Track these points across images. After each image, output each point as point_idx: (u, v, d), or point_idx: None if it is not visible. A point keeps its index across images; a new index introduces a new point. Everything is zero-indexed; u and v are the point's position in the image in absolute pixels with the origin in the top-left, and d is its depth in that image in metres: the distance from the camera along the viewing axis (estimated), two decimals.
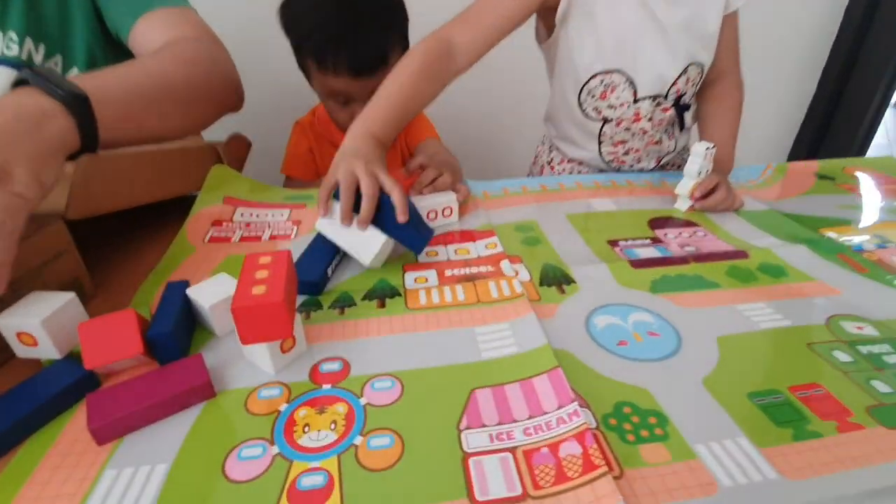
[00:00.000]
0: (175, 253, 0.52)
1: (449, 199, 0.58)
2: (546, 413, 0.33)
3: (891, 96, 1.48)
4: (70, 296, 0.37)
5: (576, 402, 0.33)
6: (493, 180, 0.71)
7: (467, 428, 0.33)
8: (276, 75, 1.01)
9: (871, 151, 1.59)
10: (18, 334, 0.35)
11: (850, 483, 0.28)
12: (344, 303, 0.45)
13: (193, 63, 0.55)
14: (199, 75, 0.55)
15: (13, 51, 0.58)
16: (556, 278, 0.48)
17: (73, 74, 0.61)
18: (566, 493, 0.28)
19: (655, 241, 0.56)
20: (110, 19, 0.61)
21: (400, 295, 0.46)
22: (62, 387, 0.34)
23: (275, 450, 0.31)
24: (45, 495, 0.28)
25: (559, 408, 0.33)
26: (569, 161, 0.83)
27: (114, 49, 0.63)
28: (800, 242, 0.55)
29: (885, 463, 0.29)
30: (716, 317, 0.43)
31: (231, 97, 0.62)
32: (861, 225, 0.60)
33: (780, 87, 1.53)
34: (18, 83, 0.39)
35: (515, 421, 0.33)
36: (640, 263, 0.51)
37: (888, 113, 1.55)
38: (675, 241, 0.56)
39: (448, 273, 0.49)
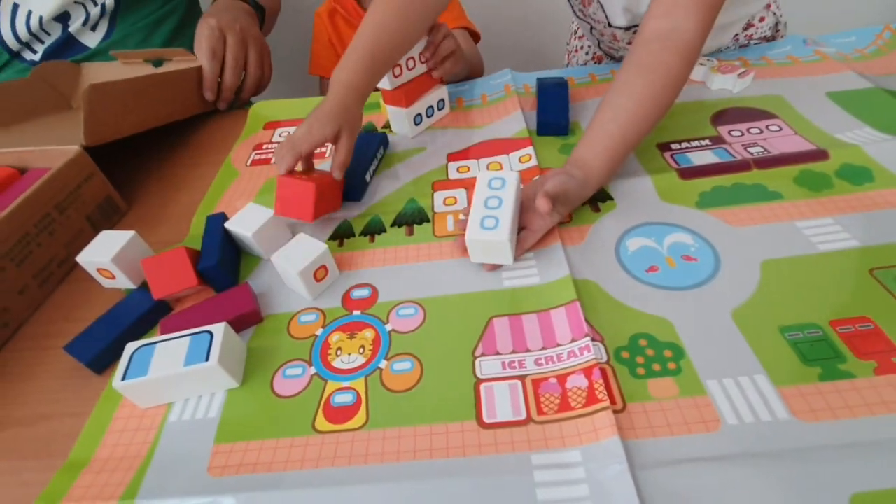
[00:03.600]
0: (222, 179, 0.55)
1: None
2: (559, 345, 0.34)
3: None
4: (131, 234, 0.42)
5: (588, 337, 0.33)
6: (531, 72, 0.65)
7: (482, 355, 0.35)
8: None
9: None
10: (99, 270, 0.41)
11: (871, 429, 0.27)
12: (374, 229, 0.46)
13: None
14: None
15: None
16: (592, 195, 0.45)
17: None
18: (567, 420, 0.30)
19: (717, 141, 0.49)
20: None
21: (428, 221, 0.46)
22: (140, 314, 0.40)
23: (312, 370, 0.36)
24: (134, 415, 0.35)
25: (572, 341, 0.34)
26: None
27: None
28: None
29: None
30: (769, 236, 0.39)
31: None
32: None
33: None
34: None
35: (529, 351, 0.34)
36: (690, 172, 0.46)
37: None
38: (740, 140, 0.49)
39: None
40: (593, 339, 0.33)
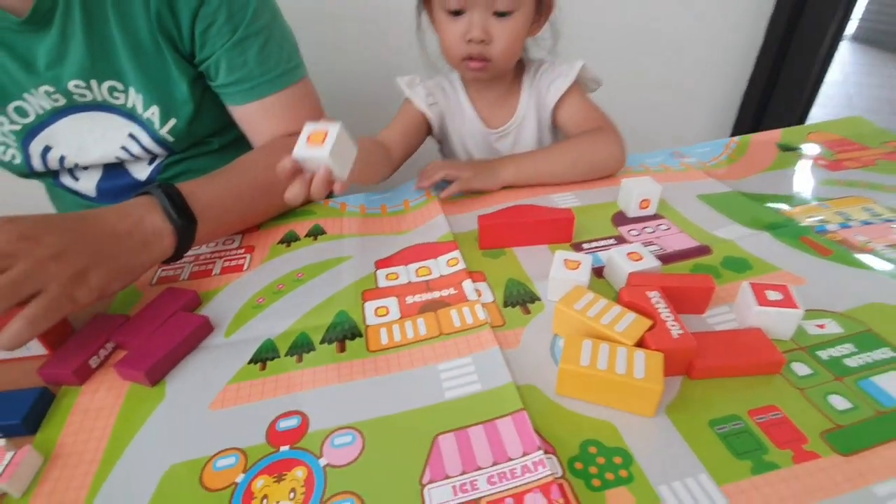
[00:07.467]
0: (124, 298, 0.49)
1: None
2: (511, 459, 0.33)
3: (843, 29, 1.44)
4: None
5: (541, 451, 0.32)
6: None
7: (430, 482, 0.32)
8: None
9: (825, 88, 1.56)
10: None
11: None
12: (302, 348, 0.43)
13: None
14: None
15: (119, 100, 0.59)
16: (520, 297, 0.47)
17: (171, 125, 0.62)
18: None
19: (620, 240, 0.55)
20: (216, 85, 0.61)
21: (361, 336, 0.44)
22: None
23: None
24: None
25: (524, 455, 0.33)
26: None
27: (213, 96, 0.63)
28: (763, 229, 0.54)
29: (841, 495, 0.30)
30: None
31: None
32: (821, 202, 0.59)
33: (728, 34, 1.48)
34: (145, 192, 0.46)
35: (480, 468, 0.32)
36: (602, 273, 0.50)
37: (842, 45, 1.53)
38: (638, 238, 0.55)
39: (409, 300, 0.47)
40: (546, 452, 0.32)
